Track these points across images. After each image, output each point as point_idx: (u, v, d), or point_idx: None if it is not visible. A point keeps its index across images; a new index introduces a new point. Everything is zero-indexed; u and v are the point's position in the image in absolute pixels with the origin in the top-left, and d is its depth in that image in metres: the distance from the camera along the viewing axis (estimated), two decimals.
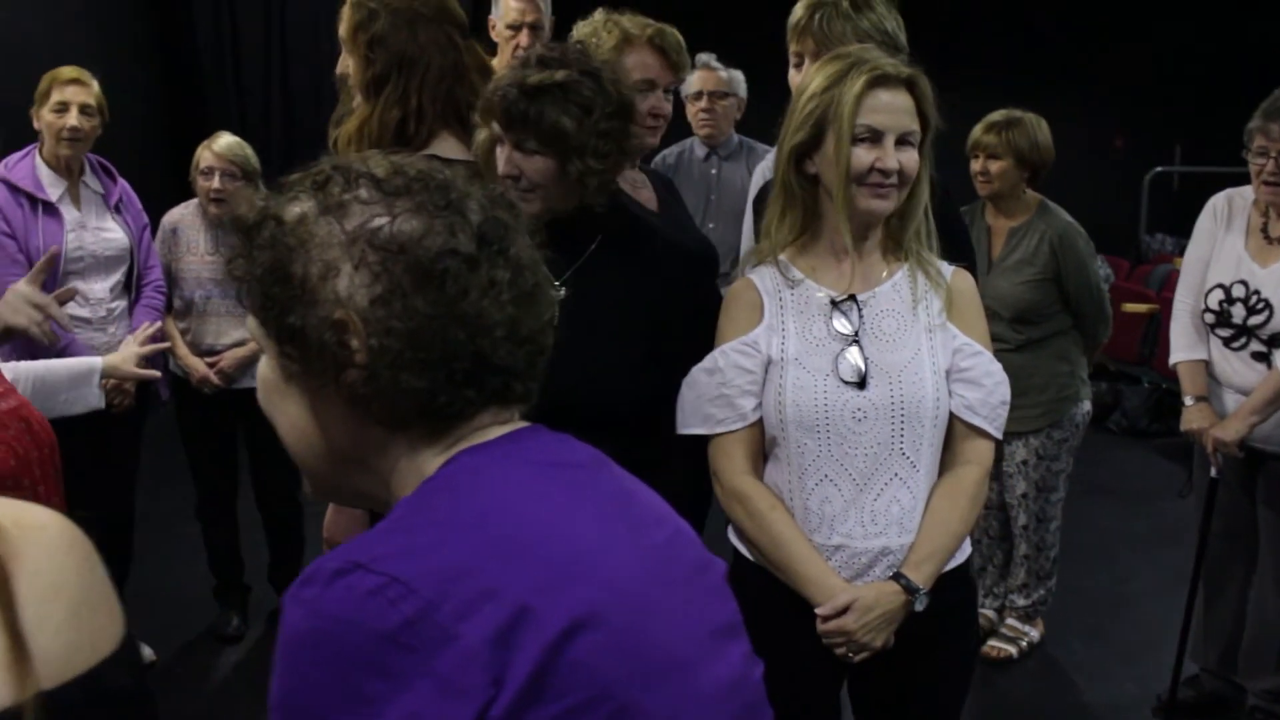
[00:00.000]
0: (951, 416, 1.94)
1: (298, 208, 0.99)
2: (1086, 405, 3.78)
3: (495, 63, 3.74)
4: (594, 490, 1.03)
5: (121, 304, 3.69)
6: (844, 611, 1.87)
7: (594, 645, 0.89)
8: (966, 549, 2.02)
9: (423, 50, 2.33)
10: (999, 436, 1.97)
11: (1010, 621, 3.98)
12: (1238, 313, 3.15)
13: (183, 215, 4.02)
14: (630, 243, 2.10)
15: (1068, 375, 3.70)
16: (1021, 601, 3.95)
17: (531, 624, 0.86)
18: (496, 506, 0.95)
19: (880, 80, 1.88)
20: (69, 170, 3.59)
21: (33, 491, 2.48)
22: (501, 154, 1.99)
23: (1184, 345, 3.31)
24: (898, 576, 1.89)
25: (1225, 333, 3.19)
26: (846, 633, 1.87)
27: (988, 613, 4.06)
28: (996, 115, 3.75)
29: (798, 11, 2.28)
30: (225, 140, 3.90)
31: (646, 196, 2.65)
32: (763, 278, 2.00)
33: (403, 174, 1.01)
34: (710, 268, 2.47)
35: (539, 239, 1.08)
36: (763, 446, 1.99)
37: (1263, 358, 3.11)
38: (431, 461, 1.01)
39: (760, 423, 1.96)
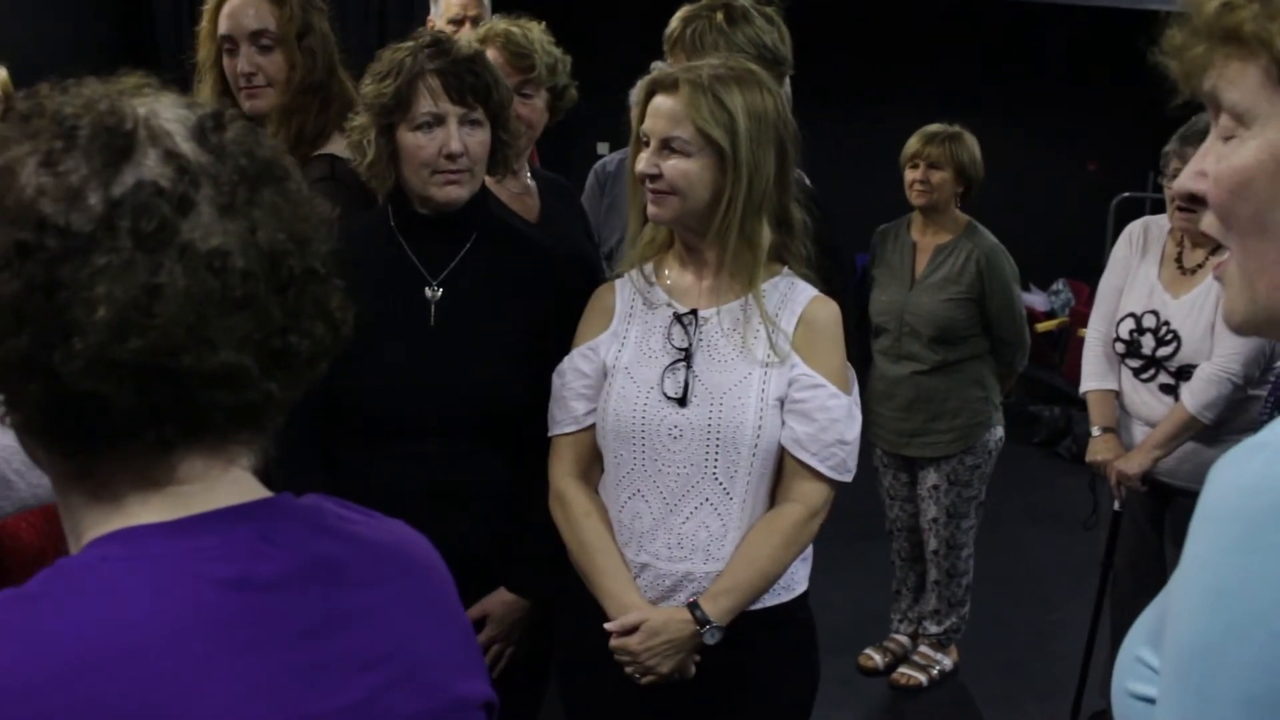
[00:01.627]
0: (785, 451, 1.87)
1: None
2: (999, 432, 3.71)
3: None
4: (274, 625, 0.78)
5: None
6: (634, 631, 1.82)
7: None
8: (797, 588, 1.95)
9: (335, 55, 2.40)
10: (835, 476, 1.88)
11: (923, 649, 3.91)
12: (1147, 343, 3.09)
13: None
14: (504, 241, 2.07)
15: (981, 400, 3.63)
16: (934, 629, 3.87)
17: None
18: (96, 647, 0.71)
19: (656, 85, 1.87)
20: None
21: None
22: (434, 134, 1.91)
23: (1094, 374, 3.24)
24: (693, 606, 1.83)
25: (1135, 363, 3.12)
26: (631, 653, 1.82)
27: (900, 638, 3.99)
28: (934, 127, 3.70)
29: (673, 23, 2.26)
30: None
31: (528, 204, 2.59)
32: (624, 285, 1.97)
33: (58, 107, 0.77)
34: (581, 278, 2.42)
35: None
36: (595, 452, 1.95)
37: (1171, 390, 3.04)
38: (86, 523, 0.79)
39: (594, 428, 1.93)
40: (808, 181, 3.78)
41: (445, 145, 1.90)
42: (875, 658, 3.94)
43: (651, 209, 1.87)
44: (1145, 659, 0.84)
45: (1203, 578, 0.75)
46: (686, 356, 1.86)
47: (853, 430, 1.88)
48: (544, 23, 2.58)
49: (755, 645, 1.89)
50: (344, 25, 5.66)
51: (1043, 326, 7.15)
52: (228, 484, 0.82)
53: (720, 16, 2.20)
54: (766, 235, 1.86)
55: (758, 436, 1.82)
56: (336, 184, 2.16)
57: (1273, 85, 0.78)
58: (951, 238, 3.67)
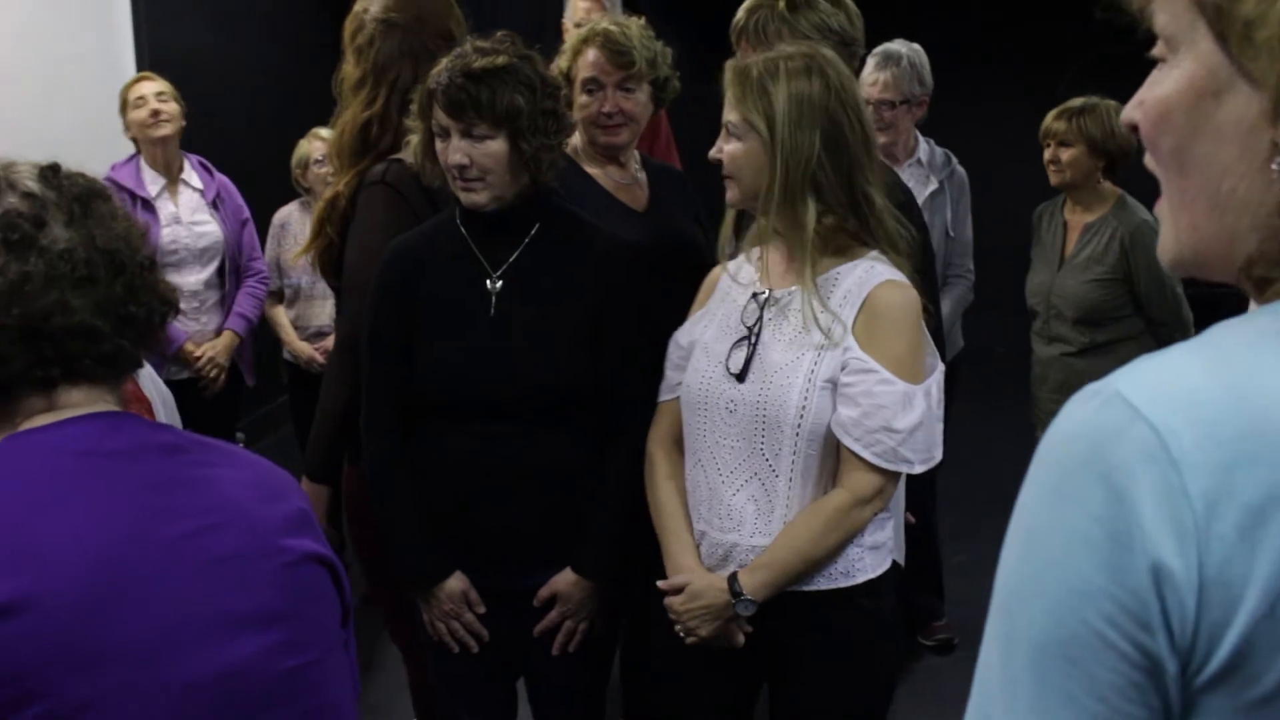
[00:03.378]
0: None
1: None
2: None
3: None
4: (118, 479, 1.10)
5: (214, 295, 3.96)
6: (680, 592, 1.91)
7: (15, 631, 0.98)
8: (858, 575, 1.92)
9: (396, 60, 2.44)
10: (883, 464, 1.83)
11: None
12: None
13: (290, 211, 4.36)
14: (564, 232, 2.16)
15: None
16: None
17: None
18: None
19: (727, 75, 1.92)
20: (168, 168, 3.88)
21: None
22: (447, 145, 2.05)
23: None
24: (732, 577, 1.88)
25: None
26: (675, 612, 1.91)
27: None
28: (1074, 102, 3.56)
29: (739, 14, 2.29)
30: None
31: (635, 194, 2.68)
32: (730, 264, 2.05)
33: None
34: (665, 262, 2.50)
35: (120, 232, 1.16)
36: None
37: None
38: None
39: None
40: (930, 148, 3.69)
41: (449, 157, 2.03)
42: None
43: (728, 194, 1.95)
44: None
45: (1019, 522, 0.75)
46: (753, 334, 1.91)
47: (904, 419, 1.82)
48: (644, 18, 2.66)
49: (809, 626, 1.91)
50: (495, 21, 5.83)
51: None
52: (92, 406, 1.14)
53: (782, 4, 2.22)
54: (812, 216, 1.86)
55: (801, 417, 1.84)
56: (385, 187, 2.29)
57: (1195, 10, 0.73)
58: (1098, 215, 3.53)
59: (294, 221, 4.31)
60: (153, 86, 3.90)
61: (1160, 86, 0.76)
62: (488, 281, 2.10)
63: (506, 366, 2.06)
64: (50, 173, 1.17)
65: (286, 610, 1.15)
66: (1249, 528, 0.66)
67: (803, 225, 1.86)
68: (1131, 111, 0.80)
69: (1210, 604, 0.67)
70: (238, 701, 1.09)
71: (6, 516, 1.03)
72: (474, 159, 2.02)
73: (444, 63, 2.05)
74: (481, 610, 2.13)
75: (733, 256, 2.07)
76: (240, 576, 1.12)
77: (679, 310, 2.49)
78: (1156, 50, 0.77)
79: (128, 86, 3.93)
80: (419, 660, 2.43)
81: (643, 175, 2.71)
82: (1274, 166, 0.72)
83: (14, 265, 1.08)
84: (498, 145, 2.02)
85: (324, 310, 4.20)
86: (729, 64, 1.95)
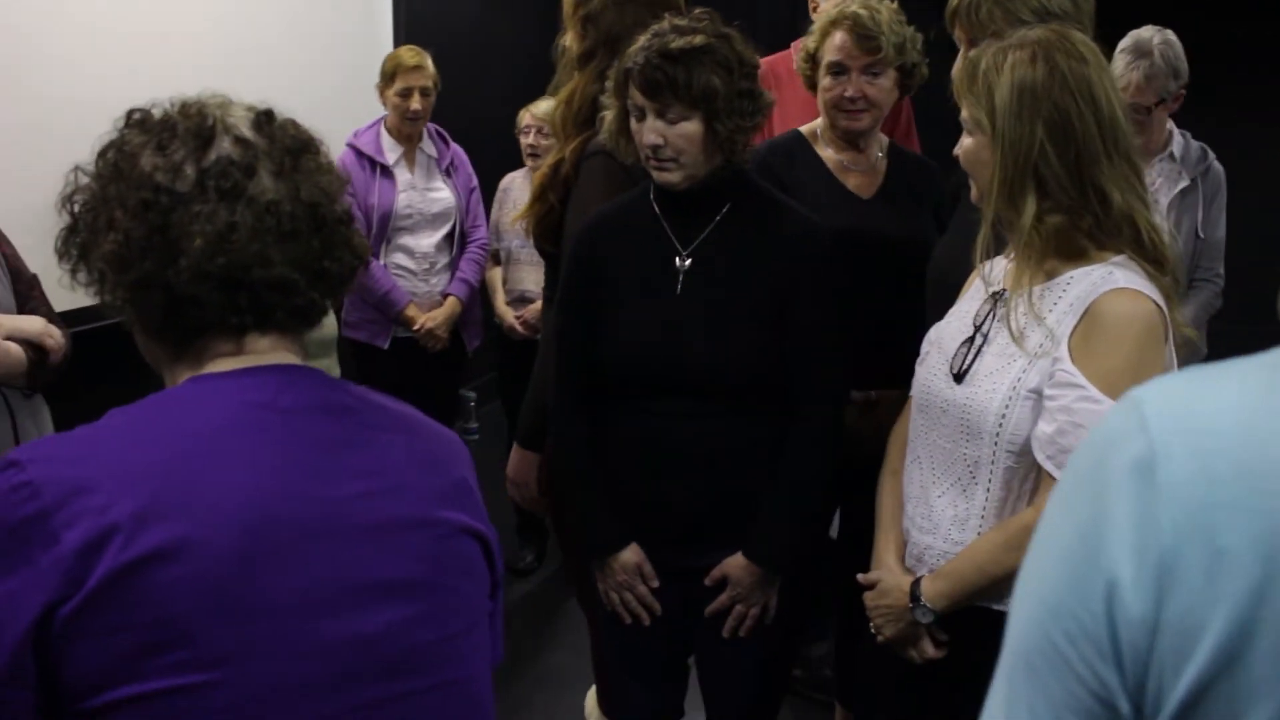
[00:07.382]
0: None
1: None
2: None
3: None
4: (288, 436, 1.09)
5: (444, 259, 4.11)
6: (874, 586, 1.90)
7: (171, 575, 0.98)
8: None
9: (628, 30, 2.40)
10: None
11: None
12: None
13: (514, 177, 4.49)
14: (755, 212, 2.12)
15: None
16: None
17: (116, 544, 0.97)
18: (157, 435, 1.05)
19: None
20: (408, 139, 4.04)
21: None
22: (643, 125, 2.03)
23: None
24: (916, 581, 1.82)
25: None
26: (868, 608, 1.90)
27: None
28: None
29: None
30: (544, 105, 4.12)
31: (864, 182, 2.64)
32: (990, 261, 1.92)
33: (165, 112, 1.13)
34: (870, 250, 2.47)
35: (327, 180, 1.15)
36: None
37: None
38: (180, 377, 1.14)
39: None
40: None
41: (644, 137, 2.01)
42: None
43: (971, 192, 1.86)
44: None
45: (1039, 523, 0.75)
46: (978, 335, 1.82)
47: None
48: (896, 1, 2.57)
49: (991, 647, 1.81)
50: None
51: None
52: (276, 355, 1.15)
53: None
54: (1030, 213, 1.71)
55: (1000, 426, 1.73)
56: (608, 157, 2.27)
57: None
58: None
59: (515, 187, 4.42)
60: (423, 81, 3.98)
61: None
62: (676, 259, 2.08)
63: (687, 345, 2.03)
64: (264, 119, 1.15)
65: (433, 582, 1.14)
66: (1215, 573, 0.61)
67: (1019, 222, 1.73)
68: None
69: (1163, 647, 0.63)
70: (370, 667, 1.08)
71: (178, 459, 1.03)
72: (668, 139, 2.00)
73: (641, 41, 2.03)
74: (655, 584, 2.13)
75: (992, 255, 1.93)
76: (393, 545, 1.12)
77: (878, 299, 2.41)
78: None
79: (401, 68, 3.97)
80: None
81: (884, 163, 2.65)
82: None
83: (223, 214, 1.08)
84: (692, 126, 1.99)
85: (529, 276, 4.26)
86: (964, 56, 1.87)
